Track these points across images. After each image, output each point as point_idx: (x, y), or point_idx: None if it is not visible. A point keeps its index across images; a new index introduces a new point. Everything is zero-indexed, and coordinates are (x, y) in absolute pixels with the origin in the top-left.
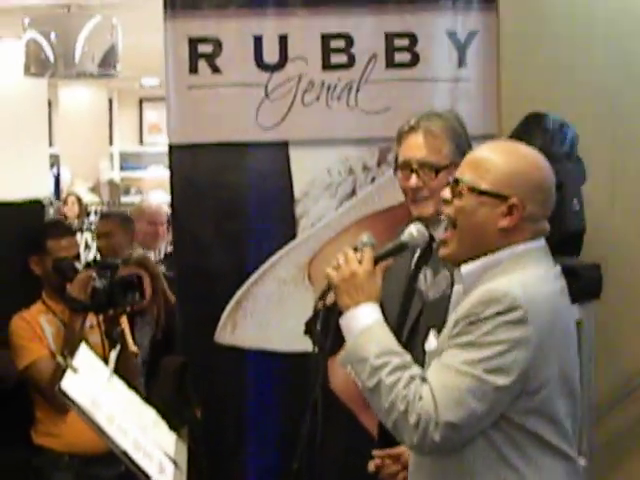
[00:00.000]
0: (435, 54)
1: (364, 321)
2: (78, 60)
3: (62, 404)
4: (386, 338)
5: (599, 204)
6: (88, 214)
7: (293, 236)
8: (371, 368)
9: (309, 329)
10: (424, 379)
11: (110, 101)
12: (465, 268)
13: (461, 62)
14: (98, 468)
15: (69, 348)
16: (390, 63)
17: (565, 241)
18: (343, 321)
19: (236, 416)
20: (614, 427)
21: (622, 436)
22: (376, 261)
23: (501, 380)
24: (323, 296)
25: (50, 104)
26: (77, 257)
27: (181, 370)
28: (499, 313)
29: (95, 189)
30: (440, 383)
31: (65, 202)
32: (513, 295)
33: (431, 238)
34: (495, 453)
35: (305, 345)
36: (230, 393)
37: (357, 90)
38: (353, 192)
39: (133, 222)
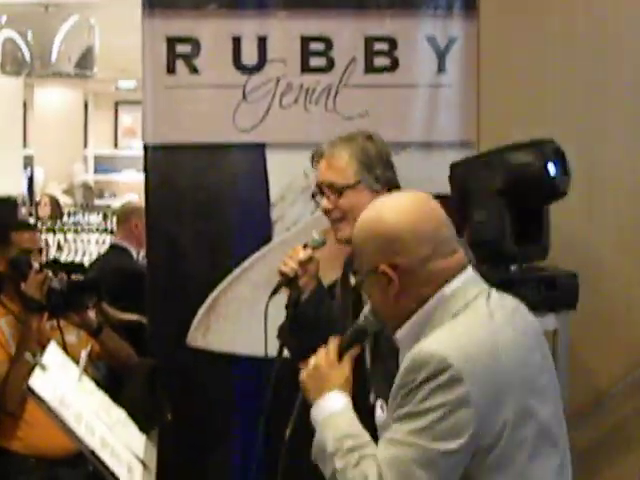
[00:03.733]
0: (415, 59)
1: (325, 411)
2: (55, 60)
3: (15, 407)
4: (344, 422)
5: (577, 216)
6: (62, 215)
7: (268, 239)
8: (327, 456)
9: (281, 333)
10: (375, 457)
11: (86, 103)
12: (399, 333)
13: (441, 68)
14: (64, 470)
15: (25, 347)
16: (369, 67)
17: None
18: (312, 415)
19: (211, 420)
20: (586, 437)
21: (596, 446)
22: (341, 354)
23: (447, 445)
24: (273, 293)
25: (25, 105)
26: (39, 252)
27: (151, 373)
28: (429, 378)
29: (69, 191)
30: (387, 458)
31: (39, 203)
32: (440, 355)
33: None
34: None
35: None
36: (201, 396)
37: (336, 94)
38: None
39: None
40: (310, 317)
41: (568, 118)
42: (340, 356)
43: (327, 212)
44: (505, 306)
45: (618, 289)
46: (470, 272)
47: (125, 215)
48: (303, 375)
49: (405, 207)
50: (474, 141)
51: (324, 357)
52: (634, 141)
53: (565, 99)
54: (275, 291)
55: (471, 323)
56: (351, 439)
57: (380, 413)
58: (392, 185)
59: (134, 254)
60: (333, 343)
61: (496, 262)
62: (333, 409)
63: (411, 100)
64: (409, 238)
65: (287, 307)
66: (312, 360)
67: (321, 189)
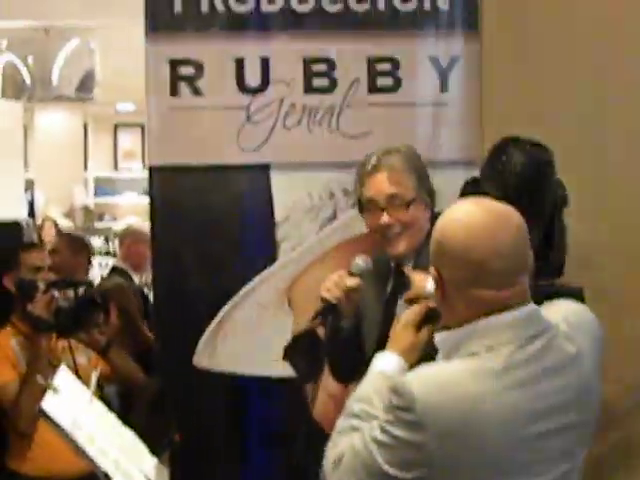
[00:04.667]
0: (417, 79)
1: (375, 366)
2: (55, 83)
3: (27, 427)
4: (374, 385)
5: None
6: None
7: (274, 260)
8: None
9: (287, 354)
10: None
11: (85, 126)
12: (437, 337)
13: (443, 87)
14: None
15: (35, 368)
16: (372, 88)
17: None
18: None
19: (219, 441)
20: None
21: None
22: (421, 323)
23: (391, 470)
24: (314, 317)
25: (25, 128)
26: (49, 270)
27: (159, 394)
28: (398, 408)
29: (69, 214)
30: (354, 445)
31: (42, 226)
32: (412, 396)
33: (401, 270)
34: None
35: (284, 370)
36: (209, 417)
37: (339, 114)
38: (334, 216)
39: (88, 247)
40: (351, 344)
41: (574, 132)
42: (420, 326)
43: (384, 228)
44: (542, 361)
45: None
46: (524, 312)
47: (121, 238)
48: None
49: (469, 226)
50: (478, 159)
51: (406, 317)
52: (634, 157)
53: (567, 115)
54: (316, 317)
55: (470, 374)
56: (362, 404)
57: None
58: (433, 197)
59: (134, 276)
60: (418, 308)
61: None
62: (379, 367)
63: (414, 119)
64: (453, 256)
65: (329, 333)
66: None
67: (378, 204)
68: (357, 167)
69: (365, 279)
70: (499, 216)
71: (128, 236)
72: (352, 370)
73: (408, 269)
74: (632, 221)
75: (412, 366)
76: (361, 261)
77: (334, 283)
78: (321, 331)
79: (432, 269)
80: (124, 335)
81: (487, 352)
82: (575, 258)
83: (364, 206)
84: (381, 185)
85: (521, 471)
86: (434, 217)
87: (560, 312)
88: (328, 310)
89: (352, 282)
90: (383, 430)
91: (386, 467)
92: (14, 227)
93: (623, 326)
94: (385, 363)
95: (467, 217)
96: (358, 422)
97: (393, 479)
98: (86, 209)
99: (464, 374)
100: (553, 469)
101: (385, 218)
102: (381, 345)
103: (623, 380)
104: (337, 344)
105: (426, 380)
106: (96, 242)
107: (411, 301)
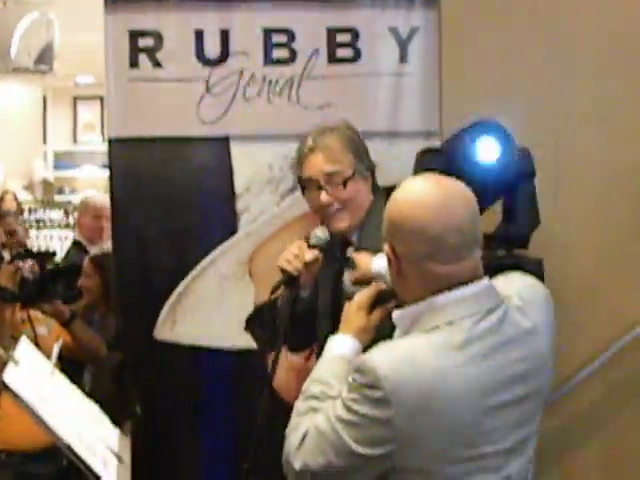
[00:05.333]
0: (377, 50)
1: (330, 350)
2: (14, 55)
3: None
4: (330, 368)
5: (543, 204)
6: (22, 212)
7: (234, 231)
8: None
9: (249, 325)
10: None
11: (44, 99)
12: (395, 314)
13: (403, 58)
14: (37, 465)
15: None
16: (332, 58)
17: None
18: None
19: (180, 412)
20: (550, 423)
21: (559, 432)
22: (373, 305)
23: (360, 449)
24: (274, 290)
25: None
26: (3, 246)
27: (120, 366)
28: (362, 385)
29: (29, 187)
30: (317, 427)
31: (2, 199)
32: (377, 374)
33: (348, 243)
34: None
35: (246, 342)
36: (170, 389)
37: (298, 85)
38: (294, 187)
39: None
40: (309, 313)
41: (533, 104)
42: (372, 307)
43: (325, 206)
44: (499, 333)
45: (584, 274)
46: (480, 286)
47: (78, 211)
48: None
49: (422, 200)
50: (437, 131)
51: (359, 300)
52: (601, 125)
53: (529, 86)
54: (275, 289)
55: (432, 349)
56: (321, 386)
57: None
58: (373, 171)
59: (89, 248)
60: (369, 291)
61: None
62: (335, 350)
63: (374, 90)
64: (409, 232)
65: (286, 305)
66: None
67: (317, 182)
68: (296, 149)
69: (322, 251)
70: (453, 192)
71: (78, 209)
72: (307, 340)
73: (351, 251)
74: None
75: (365, 348)
76: (320, 232)
77: (293, 255)
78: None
79: (386, 246)
80: (105, 303)
81: (447, 326)
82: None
83: (304, 186)
84: (318, 165)
85: (484, 441)
86: (386, 190)
87: (514, 286)
88: (287, 281)
89: (311, 255)
90: (349, 409)
91: (354, 445)
92: None
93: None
94: (340, 345)
95: (422, 193)
96: (317, 403)
97: (362, 457)
98: (45, 182)
99: (426, 349)
100: (513, 436)
101: (324, 197)
102: (334, 315)
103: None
104: (295, 314)
105: (390, 357)
106: (55, 215)
107: (358, 283)
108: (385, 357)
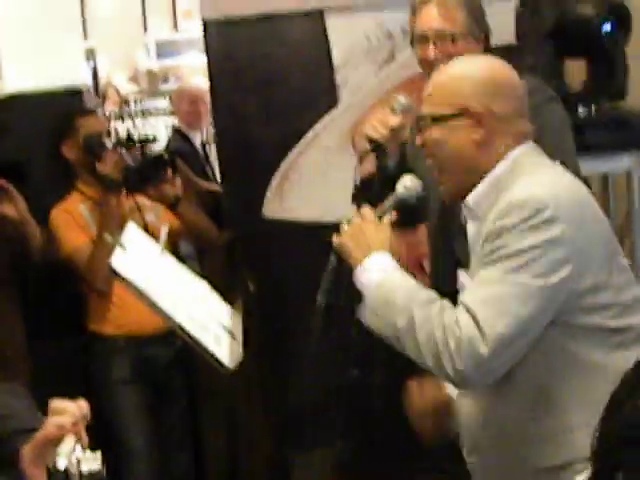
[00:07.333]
0: None
1: (378, 273)
2: None
3: (102, 286)
4: (408, 281)
5: None
6: (127, 103)
7: (335, 104)
8: (400, 308)
9: (355, 198)
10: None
11: None
12: (470, 198)
13: None
14: (154, 349)
15: (107, 227)
16: None
17: None
18: (358, 276)
19: (292, 287)
20: None
21: None
22: (379, 218)
23: (547, 280)
24: (361, 159)
25: None
26: (107, 134)
27: (230, 245)
28: (525, 219)
29: (134, 79)
30: (477, 300)
31: (105, 93)
32: (535, 198)
33: None
34: (570, 356)
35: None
36: (282, 265)
37: None
38: (392, 57)
39: None
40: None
41: None
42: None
43: (430, 62)
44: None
45: None
46: (532, 143)
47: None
48: (340, 237)
49: (502, 63)
50: None
51: (364, 219)
52: None
53: None
54: (362, 158)
55: (554, 176)
56: (425, 293)
57: (463, 278)
58: (487, 36)
59: (192, 136)
60: (367, 211)
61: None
62: (387, 270)
63: None
64: (509, 89)
65: (376, 172)
66: (348, 222)
67: (427, 37)
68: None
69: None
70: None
71: (177, 96)
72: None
73: None
74: None
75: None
76: (403, 99)
77: (379, 122)
78: None
79: (473, 108)
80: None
81: (539, 168)
82: None
83: (415, 39)
84: (430, 18)
85: (617, 251)
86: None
87: None
88: (374, 149)
89: (396, 120)
90: (518, 253)
91: (537, 281)
92: (73, 94)
93: None
94: (385, 264)
95: (491, 59)
96: (439, 303)
97: (547, 289)
98: (150, 72)
99: (550, 176)
100: None
101: (432, 52)
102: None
103: None
104: (383, 183)
105: (535, 185)
106: (162, 104)
107: None
108: (530, 188)
